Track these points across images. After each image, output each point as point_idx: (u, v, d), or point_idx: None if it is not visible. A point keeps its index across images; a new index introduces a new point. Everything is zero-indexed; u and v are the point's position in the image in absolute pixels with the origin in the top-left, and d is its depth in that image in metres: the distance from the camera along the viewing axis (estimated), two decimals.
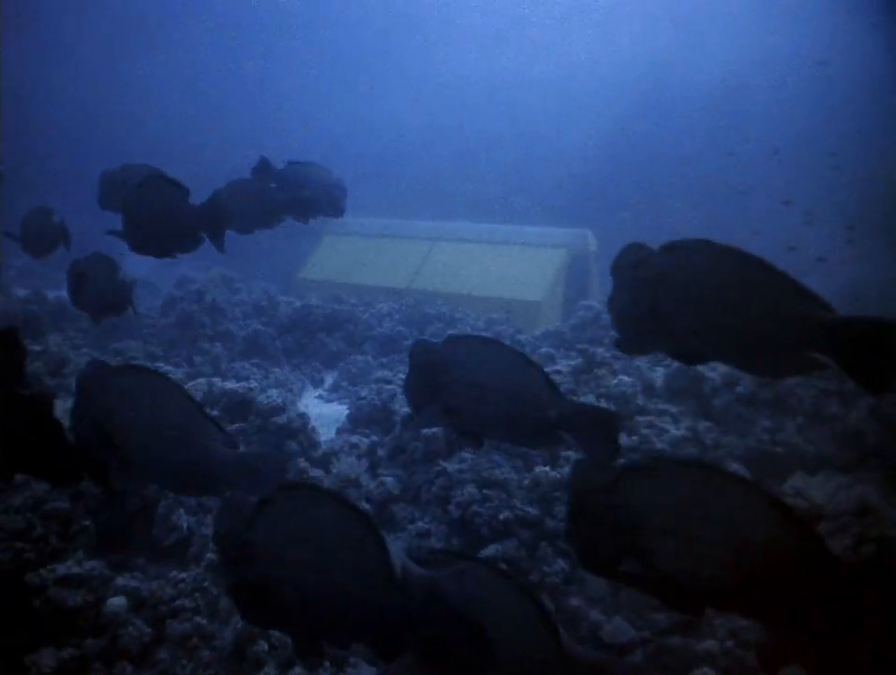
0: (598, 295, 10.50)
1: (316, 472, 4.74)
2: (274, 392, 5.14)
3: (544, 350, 6.84)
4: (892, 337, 2.07)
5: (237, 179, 4.90)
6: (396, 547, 1.90)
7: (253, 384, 5.22)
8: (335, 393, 7.30)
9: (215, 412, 4.97)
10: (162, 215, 3.77)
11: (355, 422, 5.56)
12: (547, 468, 4.25)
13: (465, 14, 19.39)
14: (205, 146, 14.87)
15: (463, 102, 18.35)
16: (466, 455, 4.43)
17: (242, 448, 2.61)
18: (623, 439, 4.62)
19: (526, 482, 4.24)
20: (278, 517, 1.91)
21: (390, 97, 18.78)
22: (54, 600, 3.32)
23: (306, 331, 8.25)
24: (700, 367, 5.29)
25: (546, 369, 5.41)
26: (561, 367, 5.32)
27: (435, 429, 4.54)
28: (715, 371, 5.42)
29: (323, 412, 6.89)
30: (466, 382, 2.55)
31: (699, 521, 1.84)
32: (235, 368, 6.93)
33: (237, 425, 4.94)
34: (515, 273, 9.54)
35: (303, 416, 5.00)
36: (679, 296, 2.26)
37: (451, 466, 4.33)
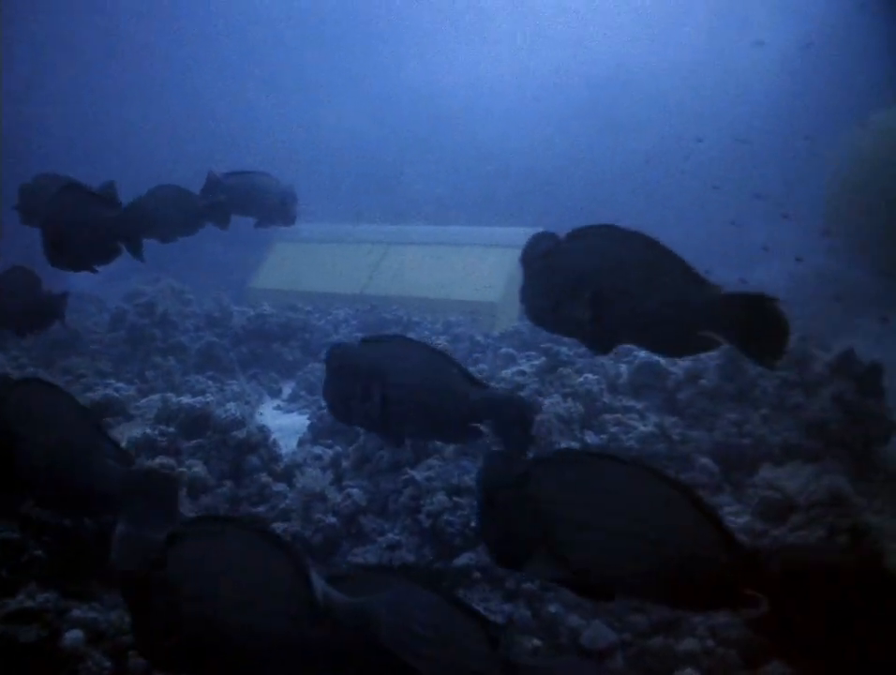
0: None
1: (279, 487, 4.60)
2: (232, 405, 4.98)
3: (504, 350, 6.78)
4: (769, 310, 2.17)
5: (159, 185, 4.74)
6: (319, 575, 1.76)
7: (210, 398, 5.05)
8: (293, 403, 7.15)
9: (171, 429, 4.80)
10: (75, 226, 3.69)
11: (317, 433, 5.43)
12: None
13: (419, 17, 19.30)
14: (158, 155, 14.52)
15: (413, 106, 18.26)
16: (433, 462, 4.33)
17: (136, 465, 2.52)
18: (592, 437, 4.59)
19: None
20: (189, 552, 1.77)
21: (340, 103, 18.60)
22: (6, 637, 3.13)
23: (261, 341, 8.07)
24: (663, 363, 5.28)
25: (509, 370, 5.37)
26: (525, 367, 5.25)
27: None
28: (677, 366, 5.42)
29: (283, 423, 6.74)
30: (384, 383, 2.54)
31: (607, 512, 1.84)
32: (190, 382, 6.74)
33: (195, 441, 4.77)
34: (470, 274, 9.47)
35: (263, 429, 4.85)
36: (586, 281, 2.31)
37: (418, 474, 4.22)
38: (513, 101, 17.09)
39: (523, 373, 5.11)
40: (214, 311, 8.52)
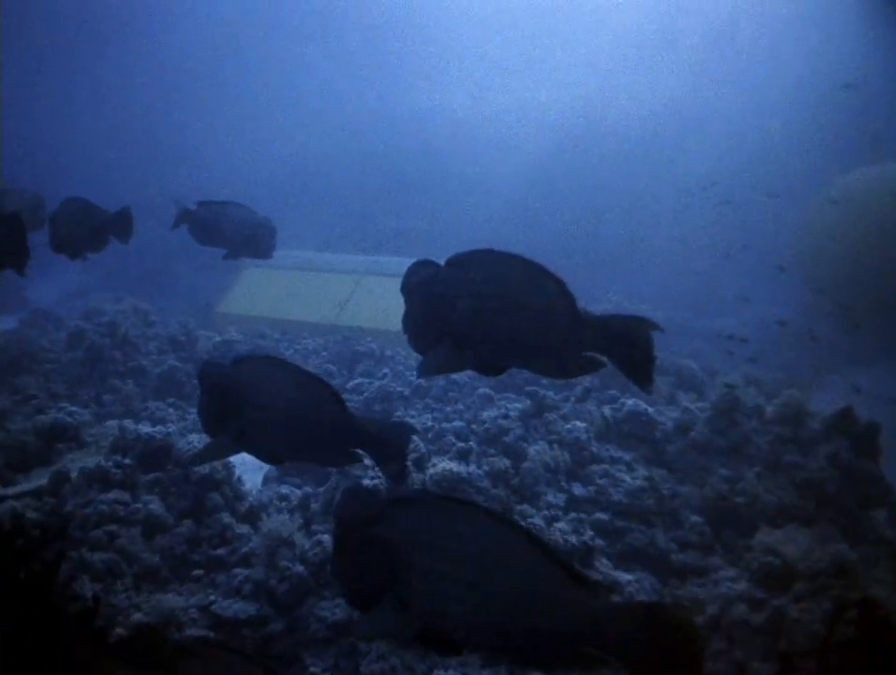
0: None
1: (242, 528, 4.28)
2: (194, 437, 4.64)
3: (481, 390, 6.54)
4: (639, 332, 2.16)
5: (67, 198, 4.43)
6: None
7: (171, 428, 4.71)
8: None
9: (127, 461, 4.45)
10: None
11: (285, 470, 5.10)
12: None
13: (400, 46, 19.28)
14: (118, 179, 14.22)
15: (390, 137, 18.13)
16: None
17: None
18: (579, 489, 4.34)
19: None
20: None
21: (313, 131, 18.41)
22: None
23: None
24: (651, 412, 5.08)
25: (490, 413, 5.11)
26: (509, 411, 5.00)
27: (375, 481, 4.14)
28: (664, 416, 5.22)
29: (247, 457, 6.37)
30: (255, 404, 2.51)
31: (450, 557, 1.77)
32: (150, 409, 6.37)
33: (153, 474, 4.43)
34: None
35: (227, 466, 4.52)
36: (469, 307, 2.29)
37: None
38: (493, 132, 17.06)
39: (506, 417, 4.86)
40: (178, 334, 8.16)
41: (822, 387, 8.41)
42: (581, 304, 2.19)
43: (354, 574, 1.90)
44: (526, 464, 4.27)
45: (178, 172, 15.82)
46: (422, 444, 4.50)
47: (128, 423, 5.16)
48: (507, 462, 4.35)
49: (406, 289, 2.51)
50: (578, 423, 4.68)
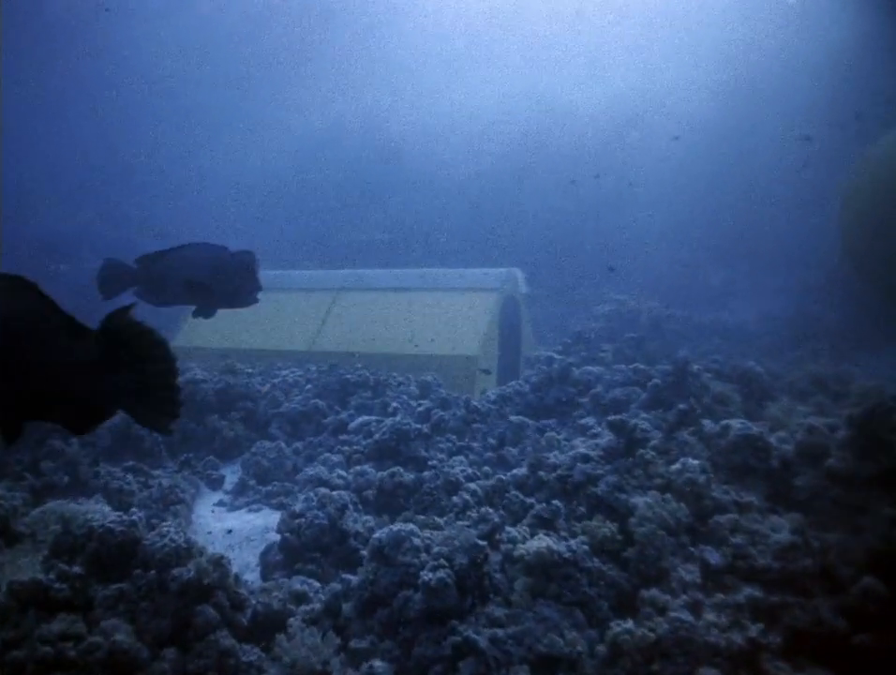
0: (531, 343, 9.17)
1: (251, 655, 3.00)
2: (169, 525, 3.34)
3: (515, 418, 5.36)
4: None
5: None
6: None
7: (135, 514, 3.39)
8: (241, 496, 5.49)
9: (76, 569, 3.15)
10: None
11: (293, 553, 3.83)
12: (629, 624, 2.72)
13: (347, 55, 18.13)
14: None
15: (341, 147, 16.96)
16: (497, 610, 2.83)
17: None
18: (714, 556, 3.16)
19: (601, 650, 2.68)
20: None
21: (263, 144, 17.17)
22: None
23: (193, 414, 6.39)
24: (763, 433, 3.93)
25: (565, 455, 3.90)
26: (587, 449, 3.80)
27: (439, 573, 2.90)
28: (776, 436, 4.08)
29: (229, 526, 5.09)
30: None
31: None
32: (102, 477, 5.05)
33: (115, 586, 3.13)
34: (440, 324, 8.02)
35: (220, 563, 3.22)
36: None
37: (477, 635, 2.71)
38: (461, 135, 15.99)
39: (587, 459, 3.66)
40: None
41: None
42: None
43: None
44: (640, 529, 3.07)
45: (117, 200, 14.49)
46: (491, 511, 3.28)
47: (75, 507, 3.87)
48: (612, 527, 3.16)
49: None
50: (691, 460, 3.49)
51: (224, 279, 3.63)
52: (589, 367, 6.12)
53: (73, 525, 3.39)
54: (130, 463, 5.25)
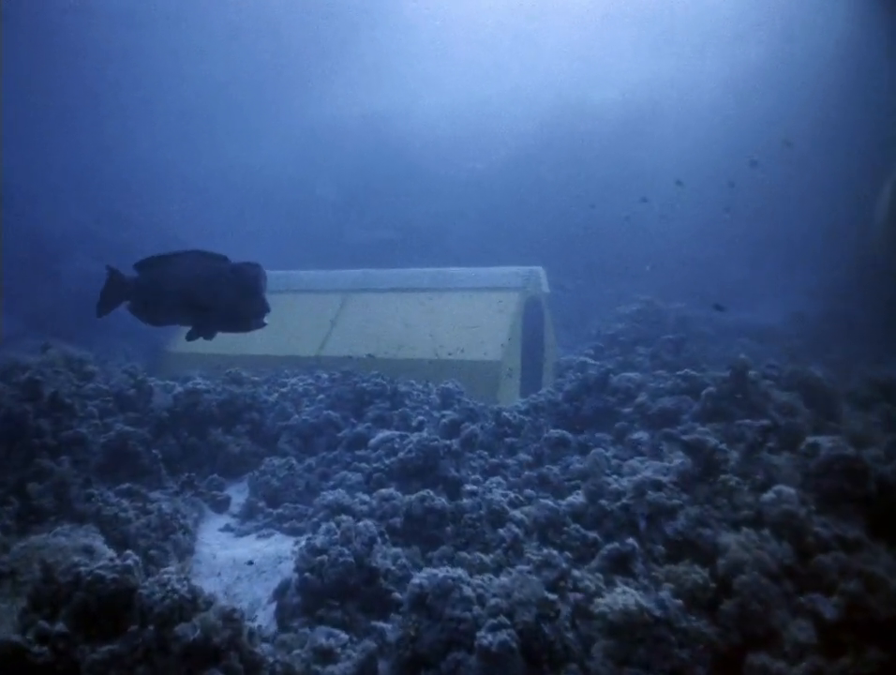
0: (554, 347, 8.63)
1: None
2: (171, 574, 2.80)
3: (554, 432, 4.83)
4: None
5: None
6: None
7: (130, 560, 2.86)
8: (250, 519, 4.96)
9: (58, 626, 2.63)
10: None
11: (314, 596, 3.28)
12: None
13: (351, 45, 17.62)
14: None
15: (344, 142, 16.45)
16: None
17: None
18: (826, 607, 2.63)
19: None
20: None
21: (265, 142, 16.67)
22: None
23: (195, 427, 5.86)
24: (857, 452, 3.40)
25: (628, 481, 3.35)
26: (655, 473, 3.26)
27: (501, 634, 2.37)
28: (865, 453, 3.54)
29: (237, 554, 4.56)
30: None
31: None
32: (94, 499, 4.50)
33: (106, 647, 2.60)
34: (460, 327, 7.48)
35: (231, 618, 2.69)
36: None
37: None
38: (463, 131, 15.46)
39: (659, 485, 3.12)
40: (126, 388, 6.25)
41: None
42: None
43: None
44: (740, 577, 2.54)
45: (120, 195, 14.00)
46: (556, 554, 2.74)
47: (61, 543, 3.35)
48: (702, 573, 2.63)
49: None
50: (785, 488, 2.95)
51: (224, 299, 3.12)
52: (629, 374, 5.59)
53: (56, 571, 2.86)
54: (126, 485, 4.71)
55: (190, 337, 3.15)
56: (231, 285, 3.16)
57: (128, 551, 2.95)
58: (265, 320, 3.17)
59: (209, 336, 3.17)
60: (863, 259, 11.69)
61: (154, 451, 5.39)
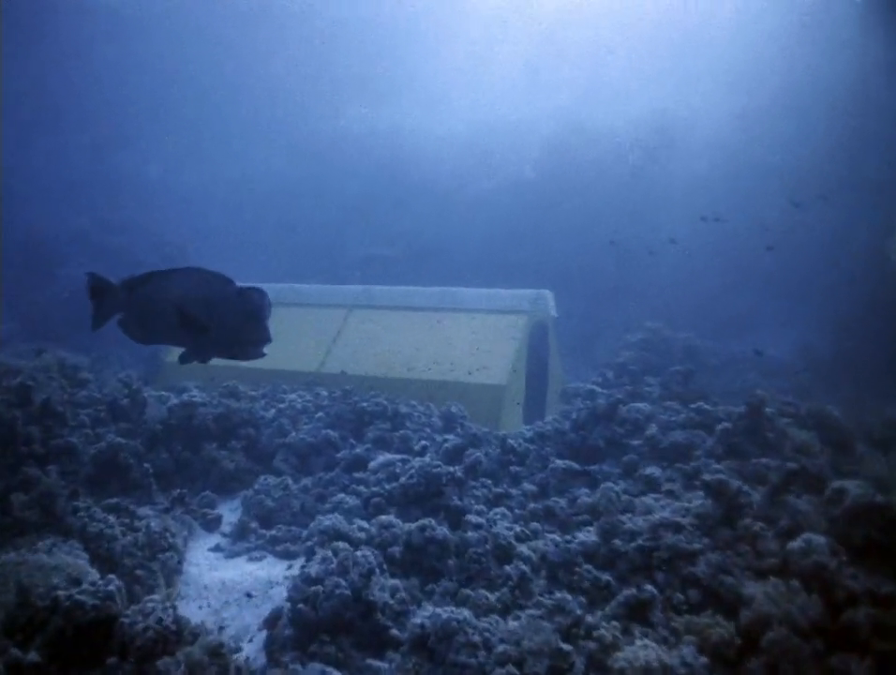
0: (559, 373, 8.47)
1: None
2: (156, 602, 2.62)
3: (560, 463, 4.65)
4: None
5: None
6: None
7: (113, 585, 2.67)
8: (241, 540, 4.77)
9: (31, 656, 2.44)
10: None
11: (307, 630, 3.09)
12: None
13: (361, 68, 17.61)
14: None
15: (349, 159, 16.37)
16: None
17: None
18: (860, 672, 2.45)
19: None
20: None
21: (270, 159, 16.59)
22: None
23: (189, 441, 5.68)
24: (888, 499, 3.22)
25: (641, 521, 3.17)
26: (673, 514, 3.08)
27: None
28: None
29: (227, 577, 4.37)
30: None
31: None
32: (80, 513, 4.31)
33: None
34: (464, 348, 7.32)
35: (218, 653, 2.50)
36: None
37: None
38: (471, 151, 15.38)
39: (678, 528, 2.94)
40: (119, 397, 6.07)
41: None
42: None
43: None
44: (768, 635, 2.36)
45: (116, 200, 13.87)
46: (569, 598, 2.56)
47: (41, 560, 3.16)
48: (728, 627, 2.44)
49: None
50: (815, 537, 2.78)
51: (227, 323, 2.92)
52: (638, 404, 5.42)
53: (33, 594, 2.68)
54: (115, 500, 4.51)
55: (184, 360, 2.96)
56: (236, 309, 2.97)
57: (111, 576, 2.76)
58: (265, 350, 2.96)
59: (204, 359, 2.97)
60: (873, 293, 11.57)
61: (145, 464, 5.20)
